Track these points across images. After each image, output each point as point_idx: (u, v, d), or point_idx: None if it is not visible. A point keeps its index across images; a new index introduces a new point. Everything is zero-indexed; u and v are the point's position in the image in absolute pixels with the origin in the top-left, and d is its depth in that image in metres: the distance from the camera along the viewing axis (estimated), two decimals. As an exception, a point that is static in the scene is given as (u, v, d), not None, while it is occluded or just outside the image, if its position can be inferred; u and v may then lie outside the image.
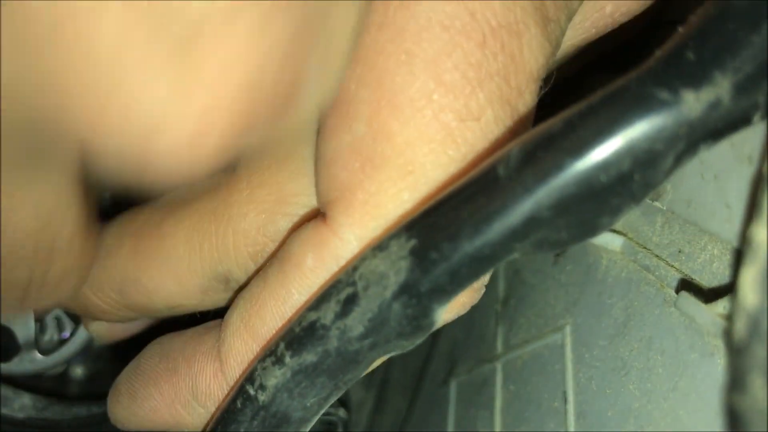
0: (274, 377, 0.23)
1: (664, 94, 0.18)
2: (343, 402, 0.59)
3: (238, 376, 0.26)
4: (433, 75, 0.21)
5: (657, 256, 0.28)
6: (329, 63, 0.19)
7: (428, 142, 0.22)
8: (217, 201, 0.27)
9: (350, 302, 0.22)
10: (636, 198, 0.19)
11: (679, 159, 0.19)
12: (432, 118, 0.21)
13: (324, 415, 0.59)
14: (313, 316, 0.23)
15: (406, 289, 0.21)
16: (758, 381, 0.17)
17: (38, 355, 0.46)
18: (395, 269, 0.21)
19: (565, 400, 0.32)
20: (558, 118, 0.19)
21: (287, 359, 0.23)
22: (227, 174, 0.28)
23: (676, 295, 0.26)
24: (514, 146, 0.20)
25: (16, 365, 0.45)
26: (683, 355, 0.25)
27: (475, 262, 0.20)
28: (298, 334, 0.23)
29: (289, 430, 0.24)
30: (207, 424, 0.27)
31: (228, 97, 0.16)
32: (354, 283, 0.22)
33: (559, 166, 0.19)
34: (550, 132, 0.19)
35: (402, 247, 0.21)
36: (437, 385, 0.48)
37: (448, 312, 0.24)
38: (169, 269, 0.28)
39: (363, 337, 0.22)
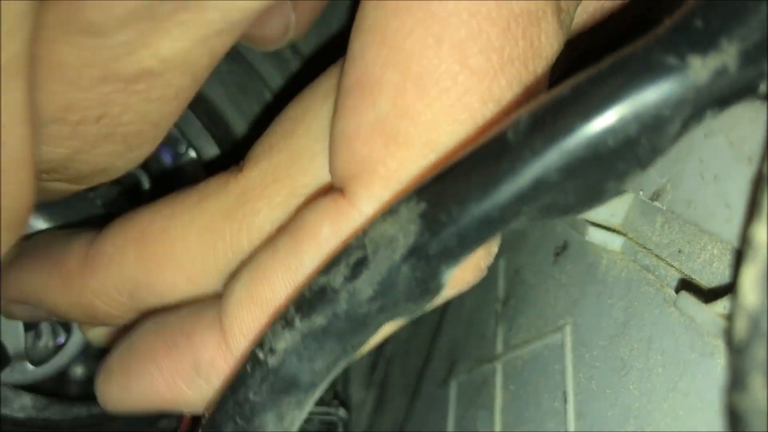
0: (284, 341, 0.24)
1: (671, 60, 0.18)
2: (343, 402, 0.59)
3: (242, 346, 0.26)
4: (459, 59, 0.22)
5: (657, 256, 0.28)
6: None
7: (452, 122, 0.22)
8: (227, 201, 0.27)
9: (360, 265, 0.22)
10: (642, 163, 0.20)
11: (686, 125, 0.19)
12: (456, 100, 0.22)
13: (324, 415, 0.59)
14: (323, 279, 0.23)
15: (414, 252, 0.21)
16: (759, 380, 0.17)
17: (30, 366, 0.45)
18: (404, 232, 0.22)
19: (565, 400, 0.32)
20: (567, 84, 0.20)
21: (297, 323, 0.23)
22: (234, 174, 0.28)
23: (676, 295, 0.26)
24: (523, 112, 0.20)
25: (7, 376, 0.45)
26: (683, 355, 0.25)
27: (484, 225, 0.21)
28: (309, 298, 0.23)
29: (297, 394, 0.24)
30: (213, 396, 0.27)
31: None
32: (364, 247, 0.22)
33: (567, 130, 0.19)
34: (559, 97, 0.20)
35: (412, 211, 0.22)
36: (437, 385, 0.48)
37: (450, 288, 0.24)
38: (182, 271, 0.28)
39: (372, 299, 0.22)
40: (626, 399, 0.28)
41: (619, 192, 0.21)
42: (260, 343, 0.24)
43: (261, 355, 0.24)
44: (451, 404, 0.45)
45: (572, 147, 0.19)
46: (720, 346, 0.23)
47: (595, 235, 0.32)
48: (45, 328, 0.45)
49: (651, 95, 0.18)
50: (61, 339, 0.46)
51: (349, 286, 0.22)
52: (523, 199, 0.20)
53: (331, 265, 0.23)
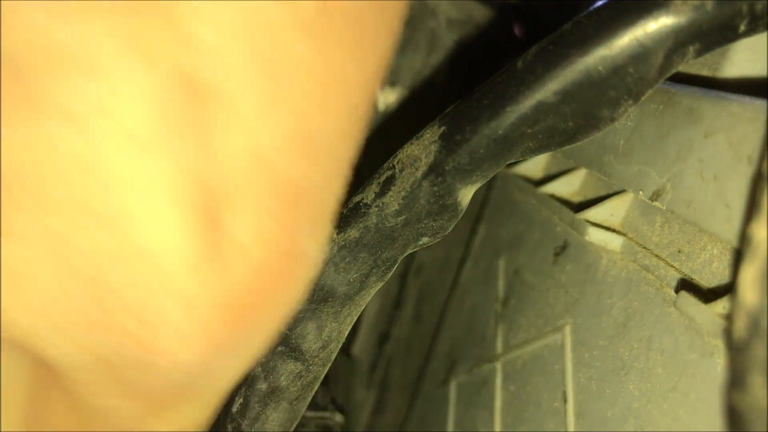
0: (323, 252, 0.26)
1: None
2: (340, 408, 0.59)
3: None
4: None
5: (657, 255, 0.28)
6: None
7: None
8: None
9: (388, 183, 0.25)
10: (632, 92, 0.22)
11: (669, 57, 0.22)
12: None
13: (320, 419, 0.59)
14: (358, 197, 0.26)
15: (433, 169, 0.24)
16: (758, 380, 0.17)
17: None
18: (426, 152, 0.25)
19: (565, 400, 0.32)
20: (573, 19, 0.23)
21: (334, 236, 0.26)
22: None
23: (675, 295, 0.26)
24: (534, 45, 0.23)
25: None
26: (683, 354, 0.25)
27: (492, 144, 0.23)
28: (345, 214, 0.26)
29: (334, 305, 0.27)
30: None
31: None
32: (393, 167, 0.25)
33: (564, 57, 0.22)
34: (562, 30, 0.23)
35: (434, 134, 0.25)
36: (437, 385, 0.48)
37: None
38: None
39: (398, 213, 0.25)
40: (626, 399, 0.28)
41: (613, 120, 0.23)
42: None
43: None
44: (451, 404, 0.45)
45: (568, 72, 0.22)
46: (720, 346, 0.23)
47: (595, 235, 0.32)
48: None
49: (636, 28, 0.21)
50: None
51: (379, 201, 0.25)
52: (525, 119, 0.23)
53: (366, 185, 0.26)
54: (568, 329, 0.33)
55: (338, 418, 0.57)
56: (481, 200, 0.50)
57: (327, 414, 0.56)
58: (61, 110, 0.13)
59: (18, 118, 0.13)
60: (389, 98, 0.58)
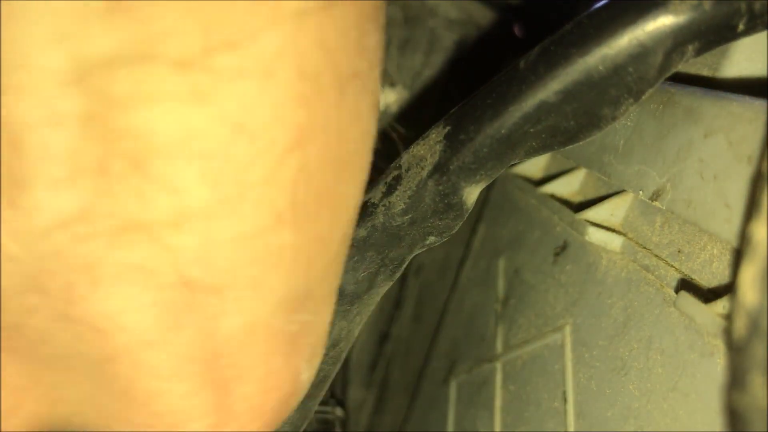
0: None
1: None
2: (340, 402, 0.59)
3: None
4: None
5: (657, 255, 0.28)
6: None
7: None
8: None
9: (394, 182, 0.26)
10: (633, 91, 0.22)
11: (669, 56, 0.22)
12: None
13: (321, 413, 0.59)
14: (366, 196, 0.26)
15: (438, 168, 0.25)
16: (758, 379, 0.17)
17: None
18: (432, 152, 0.25)
19: (565, 400, 0.32)
20: (574, 20, 0.23)
21: None
22: None
23: (675, 295, 0.26)
24: (537, 46, 0.23)
25: None
26: (683, 354, 0.25)
27: (495, 143, 0.24)
28: None
29: (343, 304, 0.27)
30: None
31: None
32: (399, 167, 0.26)
33: (565, 57, 0.22)
34: (563, 31, 0.23)
35: (439, 134, 0.25)
36: (437, 385, 0.48)
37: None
38: None
39: (404, 212, 0.25)
40: (626, 399, 0.28)
41: (615, 119, 0.23)
42: None
43: None
44: (451, 404, 0.45)
45: (569, 71, 0.22)
46: (720, 346, 0.23)
47: (594, 235, 0.32)
48: None
49: (636, 28, 0.21)
50: None
51: (386, 200, 0.26)
52: (528, 119, 0.23)
53: (373, 185, 0.26)
54: (568, 329, 0.33)
55: (338, 412, 0.57)
56: (481, 200, 0.50)
57: (327, 408, 0.56)
58: (85, 323, 0.16)
59: (48, 323, 0.16)
60: (389, 98, 0.58)
